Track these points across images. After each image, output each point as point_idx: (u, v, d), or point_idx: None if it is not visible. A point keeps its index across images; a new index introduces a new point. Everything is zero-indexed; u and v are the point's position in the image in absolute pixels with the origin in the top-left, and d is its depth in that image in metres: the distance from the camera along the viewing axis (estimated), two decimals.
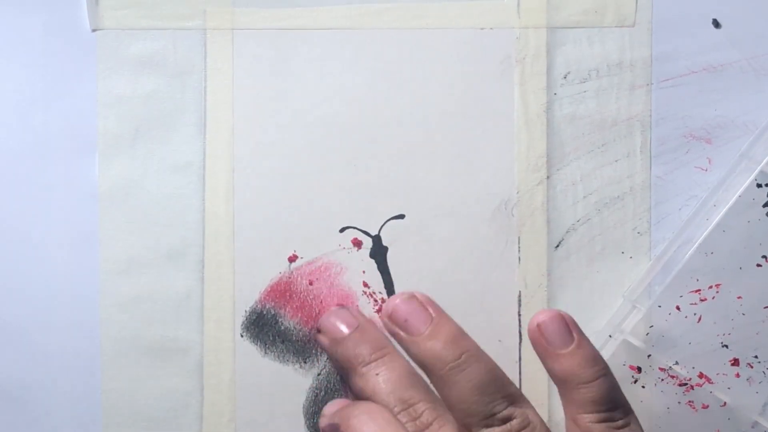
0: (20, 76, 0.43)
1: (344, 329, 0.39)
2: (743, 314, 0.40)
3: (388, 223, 0.42)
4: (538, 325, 0.36)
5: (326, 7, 0.42)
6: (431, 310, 0.37)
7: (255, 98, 0.42)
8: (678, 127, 0.42)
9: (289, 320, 0.42)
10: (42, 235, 0.43)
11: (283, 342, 0.42)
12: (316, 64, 0.42)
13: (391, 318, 0.37)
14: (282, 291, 0.42)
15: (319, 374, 0.42)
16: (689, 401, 0.41)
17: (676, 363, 0.41)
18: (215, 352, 0.42)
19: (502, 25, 0.42)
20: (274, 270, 0.42)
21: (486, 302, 0.42)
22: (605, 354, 0.40)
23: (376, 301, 0.42)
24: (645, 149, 0.42)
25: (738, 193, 0.40)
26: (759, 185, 0.40)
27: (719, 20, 0.42)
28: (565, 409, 0.36)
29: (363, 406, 0.36)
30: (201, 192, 0.42)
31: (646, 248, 0.42)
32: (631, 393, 0.40)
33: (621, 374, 0.41)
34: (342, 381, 0.41)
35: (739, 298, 0.40)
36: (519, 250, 0.42)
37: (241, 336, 0.42)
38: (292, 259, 0.42)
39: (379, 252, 0.42)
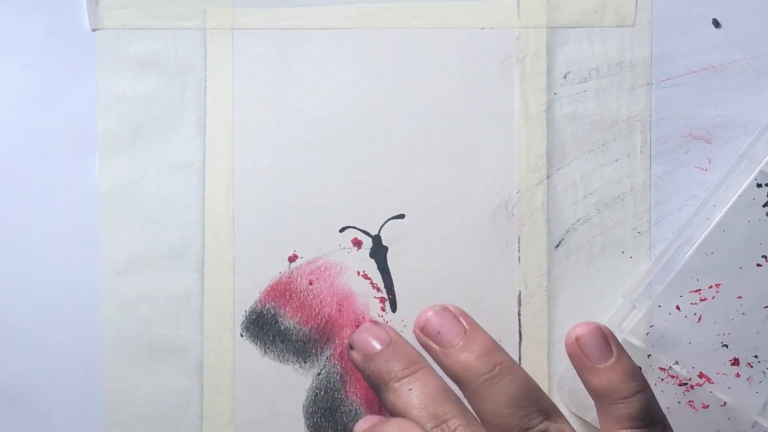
0: (20, 76, 0.43)
1: (376, 345, 0.38)
2: (743, 314, 0.40)
3: (388, 222, 0.42)
4: (577, 339, 0.36)
5: (326, 7, 0.42)
6: (464, 322, 0.36)
7: (255, 98, 0.42)
8: (678, 126, 0.42)
9: (289, 320, 0.42)
10: (42, 235, 0.43)
11: (283, 342, 0.42)
12: (316, 64, 0.42)
13: (424, 330, 0.36)
14: (282, 291, 0.42)
15: (319, 374, 0.42)
16: (689, 401, 0.41)
17: (676, 363, 0.41)
18: (215, 352, 0.42)
19: (502, 24, 0.42)
20: (274, 270, 0.42)
21: (486, 302, 0.42)
22: None
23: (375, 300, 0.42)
24: (645, 149, 0.42)
25: (738, 193, 0.40)
26: (759, 185, 0.40)
27: (719, 20, 0.42)
28: (601, 423, 0.35)
29: (395, 423, 0.35)
30: (201, 192, 0.42)
31: (646, 248, 0.42)
32: None
33: None
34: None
35: (739, 297, 0.40)
36: (519, 250, 0.42)
37: (241, 336, 0.42)
38: (292, 258, 0.42)
39: (379, 252, 0.42)
